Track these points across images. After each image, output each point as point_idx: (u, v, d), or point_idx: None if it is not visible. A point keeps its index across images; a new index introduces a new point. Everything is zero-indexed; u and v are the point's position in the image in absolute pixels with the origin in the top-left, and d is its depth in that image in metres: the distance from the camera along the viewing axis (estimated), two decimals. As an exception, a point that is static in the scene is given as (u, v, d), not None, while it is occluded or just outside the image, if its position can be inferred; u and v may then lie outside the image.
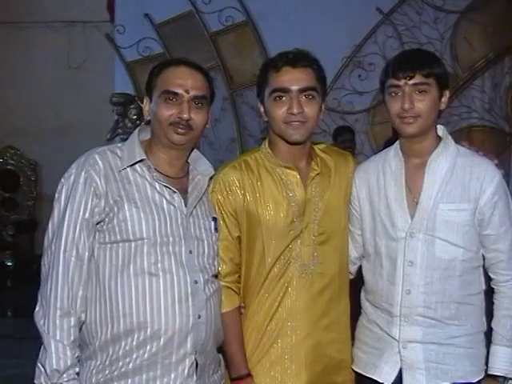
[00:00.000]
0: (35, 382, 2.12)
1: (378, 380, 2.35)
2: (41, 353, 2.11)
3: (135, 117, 6.83)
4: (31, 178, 9.00)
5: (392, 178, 2.39)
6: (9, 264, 8.17)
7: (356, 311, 2.52)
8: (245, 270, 2.42)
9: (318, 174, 2.44)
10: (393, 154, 2.43)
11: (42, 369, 2.09)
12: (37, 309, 2.14)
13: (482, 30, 7.07)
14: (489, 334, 2.36)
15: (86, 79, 8.42)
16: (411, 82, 2.27)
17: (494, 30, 6.93)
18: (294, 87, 2.34)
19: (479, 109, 6.98)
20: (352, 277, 2.55)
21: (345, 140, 6.01)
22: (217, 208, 2.38)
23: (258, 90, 2.45)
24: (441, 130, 2.40)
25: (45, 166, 8.75)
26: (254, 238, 2.39)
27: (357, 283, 2.56)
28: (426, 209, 2.30)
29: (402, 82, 2.28)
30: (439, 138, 2.38)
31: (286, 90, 2.34)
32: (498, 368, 2.29)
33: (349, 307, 2.49)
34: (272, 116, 2.37)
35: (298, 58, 2.37)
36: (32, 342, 2.17)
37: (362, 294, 2.50)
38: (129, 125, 6.87)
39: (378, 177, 2.43)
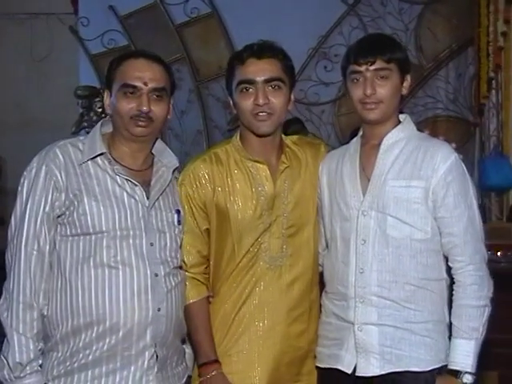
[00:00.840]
0: None
1: (342, 369, 2.30)
2: (4, 346, 2.13)
3: (100, 110, 6.77)
4: (-5, 173, 8.91)
5: (348, 160, 2.39)
6: (-28, 259, 8.07)
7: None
8: (214, 261, 2.42)
9: (287, 167, 2.44)
10: (355, 140, 2.44)
11: (5, 361, 2.11)
12: (0, 302, 2.16)
13: (445, 21, 7.11)
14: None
15: (50, 72, 8.30)
16: (372, 67, 2.26)
17: (458, 21, 6.98)
18: (259, 78, 2.33)
19: (444, 99, 7.02)
20: (321, 269, 2.52)
21: (294, 132, 5.98)
22: (186, 200, 2.38)
23: (226, 83, 2.45)
24: (402, 117, 2.40)
25: (8, 161, 8.62)
26: (223, 230, 2.39)
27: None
28: (377, 185, 2.29)
29: (363, 68, 2.27)
30: (399, 122, 2.38)
31: (251, 82, 2.33)
32: (454, 362, 2.23)
33: (319, 298, 2.49)
34: (240, 108, 2.37)
35: (263, 50, 2.36)
36: None
37: (323, 292, 2.47)
38: (94, 118, 6.81)
39: (338, 161, 2.43)
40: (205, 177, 2.38)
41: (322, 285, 2.50)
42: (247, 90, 2.33)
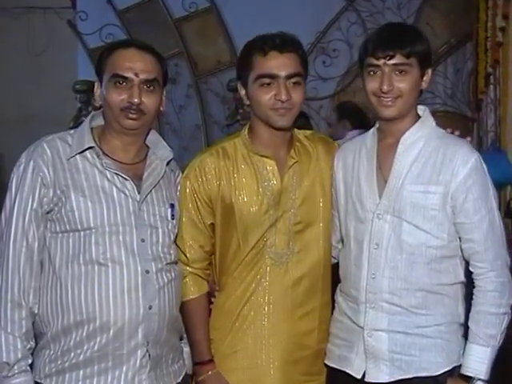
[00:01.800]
0: None
1: (351, 373, 2.24)
2: None
3: (99, 104, 6.72)
4: (-6, 168, 8.91)
5: (365, 157, 2.29)
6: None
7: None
8: (219, 256, 2.39)
9: (296, 162, 2.38)
10: (371, 133, 2.33)
11: None
12: None
13: (443, 16, 7.10)
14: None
15: (48, 67, 8.27)
16: (391, 62, 2.14)
17: (456, 17, 6.97)
18: (282, 73, 2.27)
19: (442, 94, 7.01)
20: (336, 261, 2.46)
21: (299, 126, 5.94)
22: (191, 194, 2.34)
23: (240, 72, 2.37)
24: (421, 110, 2.29)
25: (8, 156, 8.57)
26: (229, 225, 2.35)
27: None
28: (394, 189, 2.19)
29: (381, 62, 2.16)
30: (418, 118, 2.27)
31: (273, 76, 2.27)
32: (467, 367, 2.15)
33: (330, 295, 2.43)
34: (257, 101, 2.31)
35: (286, 43, 2.30)
36: None
37: (337, 287, 2.40)
38: (92, 112, 6.76)
39: (355, 156, 2.33)
40: (211, 171, 2.34)
41: (334, 277, 2.44)
42: (268, 85, 2.28)
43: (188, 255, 2.33)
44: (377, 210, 2.21)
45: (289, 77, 2.28)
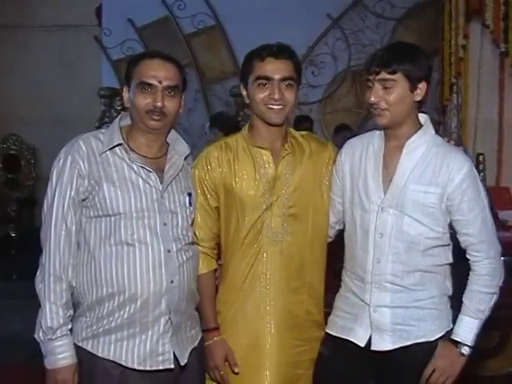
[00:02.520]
0: (35, 335, 2.09)
1: (354, 341, 2.24)
2: (39, 312, 2.08)
3: (120, 108, 6.72)
4: (30, 161, 8.83)
5: (372, 156, 2.25)
6: (13, 235, 8.07)
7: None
8: (224, 237, 2.36)
9: (288, 154, 2.36)
10: (378, 134, 2.27)
11: (40, 326, 2.06)
12: (37, 274, 2.11)
13: (415, 34, 7.11)
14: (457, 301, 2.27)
15: (77, 75, 8.27)
16: (377, 77, 2.12)
17: (425, 35, 6.96)
18: (276, 76, 2.25)
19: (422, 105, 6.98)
20: (331, 240, 2.46)
21: (304, 128, 5.94)
22: (198, 182, 2.32)
23: (242, 75, 2.36)
24: (423, 118, 2.23)
25: (42, 151, 8.62)
26: (230, 209, 2.33)
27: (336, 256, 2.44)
28: (398, 187, 2.17)
29: (371, 77, 2.14)
30: (420, 125, 2.21)
31: (268, 78, 2.26)
32: (458, 334, 2.18)
33: (322, 273, 2.41)
34: (254, 99, 2.29)
35: (281, 51, 2.28)
36: (35, 302, 2.13)
37: (344, 267, 2.37)
38: (114, 115, 6.76)
39: (362, 153, 2.29)
40: (215, 161, 2.33)
41: (329, 258, 2.42)
42: (264, 85, 2.26)
43: (198, 235, 2.31)
44: (381, 204, 2.19)
45: (282, 79, 2.26)
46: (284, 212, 2.32)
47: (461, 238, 2.20)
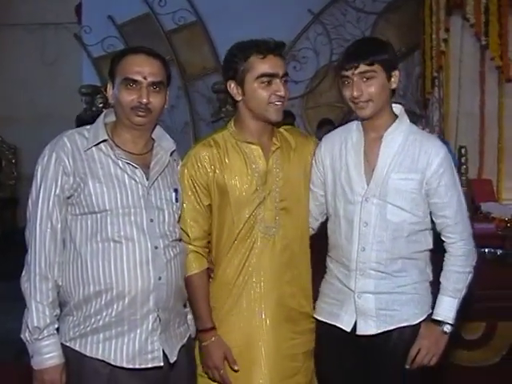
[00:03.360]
0: (21, 336, 2.06)
1: (340, 327, 2.31)
2: (25, 312, 2.05)
3: (101, 105, 6.68)
4: (12, 161, 8.78)
5: (352, 149, 2.31)
6: (-5, 235, 7.99)
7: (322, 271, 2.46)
8: (216, 234, 2.34)
9: (278, 148, 2.36)
10: (355, 127, 2.34)
11: (26, 326, 2.04)
12: (23, 273, 2.08)
13: (396, 28, 7.14)
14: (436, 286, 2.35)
15: (58, 73, 8.25)
16: (357, 71, 2.18)
17: (406, 29, 6.98)
18: (280, 72, 2.26)
19: (395, 94, 7.00)
20: (314, 232, 2.48)
21: (287, 123, 5.92)
22: (189, 181, 2.29)
23: (233, 71, 2.29)
24: (398, 108, 2.32)
25: (23, 150, 8.57)
26: (224, 206, 2.31)
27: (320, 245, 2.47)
28: (380, 177, 2.24)
29: (349, 73, 2.19)
30: (395, 116, 2.30)
31: (274, 75, 2.24)
32: (439, 313, 2.27)
33: (309, 266, 2.43)
34: (257, 97, 2.26)
35: (278, 48, 2.28)
36: (18, 302, 2.11)
37: (328, 255, 2.42)
38: (95, 112, 6.72)
39: (341, 147, 2.35)
40: (205, 159, 2.30)
41: (314, 247, 2.45)
42: (269, 83, 2.24)
43: (190, 234, 2.28)
44: (365, 195, 2.25)
45: (283, 76, 2.27)
46: (276, 206, 2.33)
47: (437, 221, 2.28)
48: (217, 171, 2.30)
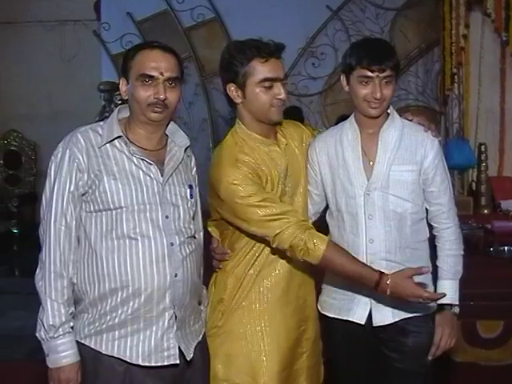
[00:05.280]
0: (36, 334, 2.05)
1: (354, 320, 2.35)
2: (40, 310, 2.04)
3: (120, 102, 6.67)
4: (31, 157, 8.80)
5: (349, 145, 2.36)
6: (14, 231, 7.97)
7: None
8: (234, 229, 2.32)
9: (286, 145, 2.39)
10: (348, 125, 2.40)
11: (41, 324, 2.02)
12: (37, 271, 2.06)
13: (415, 24, 7.10)
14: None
15: (77, 70, 8.24)
16: (383, 74, 2.23)
17: (426, 25, 6.96)
18: (281, 75, 2.27)
19: (414, 91, 7.05)
20: None
21: (293, 118, 5.89)
22: (251, 176, 2.24)
23: (234, 72, 2.26)
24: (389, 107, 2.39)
25: (43, 146, 8.59)
26: None
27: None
28: (381, 170, 2.30)
29: (374, 75, 2.23)
30: (387, 113, 2.37)
31: (276, 79, 2.25)
32: (447, 297, 2.28)
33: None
34: (258, 100, 2.26)
35: (278, 50, 2.27)
36: (37, 298, 2.09)
37: None
38: (114, 109, 6.74)
39: (336, 145, 2.39)
40: (249, 163, 2.26)
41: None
42: (271, 87, 2.24)
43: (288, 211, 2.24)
44: (367, 188, 2.31)
45: (283, 78, 2.28)
46: (288, 200, 2.36)
47: (432, 208, 2.36)
48: (258, 175, 2.28)
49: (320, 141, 2.44)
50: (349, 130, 2.38)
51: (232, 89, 2.29)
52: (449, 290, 2.32)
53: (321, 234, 2.22)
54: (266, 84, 2.24)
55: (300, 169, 2.42)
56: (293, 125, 2.51)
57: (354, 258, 2.21)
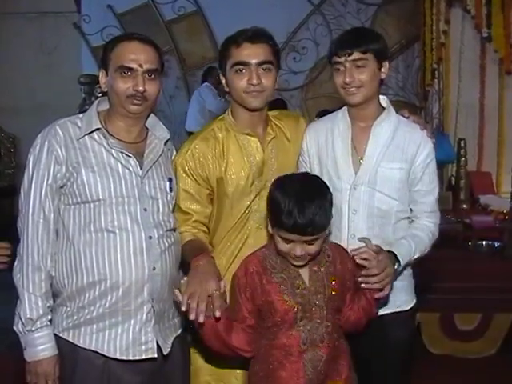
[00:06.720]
0: (14, 327, 2.03)
1: None
2: (18, 303, 2.02)
3: (100, 95, 6.61)
4: (10, 150, 8.67)
5: (339, 137, 2.33)
6: (-7, 224, 7.95)
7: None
8: (214, 223, 2.33)
9: (273, 138, 2.35)
10: (341, 116, 2.36)
11: (19, 317, 2.01)
12: (15, 264, 2.04)
13: (395, 20, 7.19)
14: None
15: (57, 63, 8.17)
16: (350, 58, 2.20)
17: (406, 21, 7.01)
18: (253, 61, 2.22)
19: (394, 86, 7.13)
20: None
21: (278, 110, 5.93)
22: (188, 173, 2.27)
23: (220, 63, 2.31)
24: (384, 100, 2.34)
25: (22, 139, 8.48)
26: (222, 197, 2.30)
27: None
28: (369, 166, 2.26)
29: (342, 59, 2.21)
30: (382, 107, 2.32)
31: (245, 64, 2.21)
32: (399, 252, 2.16)
33: None
34: (233, 86, 2.25)
35: (257, 35, 2.24)
36: (15, 292, 2.06)
37: None
38: (98, 98, 6.69)
39: (327, 135, 2.35)
40: (206, 155, 2.28)
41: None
42: (241, 71, 2.22)
43: (193, 209, 2.28)
44: (353, 183, 2.27)
45: (259, 64, 2.22)
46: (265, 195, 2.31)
47: (416, 207, 2.31)
48: (216, 166, 2.28)
49: (311, 130, 2.41)
50: (340, 121, 2.34)
51: (221, 77, 2.33)
52: (406, 249, 2.19)
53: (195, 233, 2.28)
54: (238, 68, 2.23)
55: (289, 162, 2.39)
56: (289, 117, 2.49)
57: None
